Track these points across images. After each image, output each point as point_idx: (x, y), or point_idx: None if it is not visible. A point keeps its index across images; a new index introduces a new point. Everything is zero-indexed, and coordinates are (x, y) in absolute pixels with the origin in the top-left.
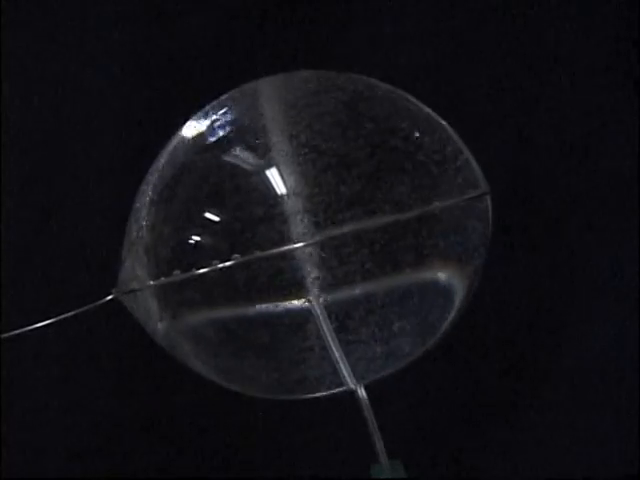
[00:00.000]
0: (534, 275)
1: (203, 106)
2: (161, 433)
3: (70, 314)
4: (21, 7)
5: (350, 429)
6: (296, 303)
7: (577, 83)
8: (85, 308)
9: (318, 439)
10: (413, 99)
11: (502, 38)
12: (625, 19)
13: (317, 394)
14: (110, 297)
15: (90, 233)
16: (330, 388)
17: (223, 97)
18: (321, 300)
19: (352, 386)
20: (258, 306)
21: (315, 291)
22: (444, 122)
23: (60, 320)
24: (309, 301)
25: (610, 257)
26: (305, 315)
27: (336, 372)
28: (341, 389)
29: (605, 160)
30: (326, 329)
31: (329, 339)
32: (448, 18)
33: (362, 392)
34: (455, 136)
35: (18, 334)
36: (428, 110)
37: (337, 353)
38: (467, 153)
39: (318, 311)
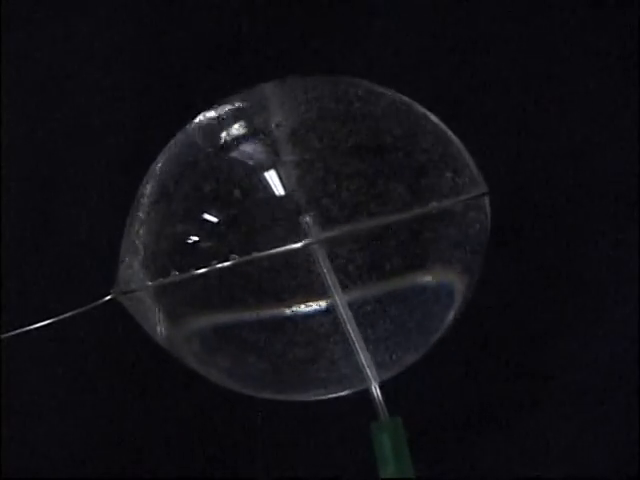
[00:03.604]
0: (533, 275)
1: (204, 107)
2: (161, 433)
3: (69, 314)
4: (21, 7)
5: (350, 431)
6: (296, 303)
7: (577, 83)
8: (84, 308)
9: (318, 439)
10: (411, 101)
11: (502, 38)
12: (626, 20)
13: (322, 397)
14: (109, 297)
15: (89, 233)
16: (337, 391)
17: (225, 99)
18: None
19: (372, 380)
20: (257, 307)
21: (337, 285)
22: (442, 123)
23: (59, 320)
24: (330, 295)
25: (610, 258)
26: (308, 315)
27: (341, 373)
28: (350, 390)
29: (605, 160)
30: (349, 323)
31: (351, 333)
32: (448, 18)
33: (377, 390)
34: (453, 136)
35: (17, 334)
36: (425, 111)
37: (359, 346)
38: (465, 153)
39: (340, 304)
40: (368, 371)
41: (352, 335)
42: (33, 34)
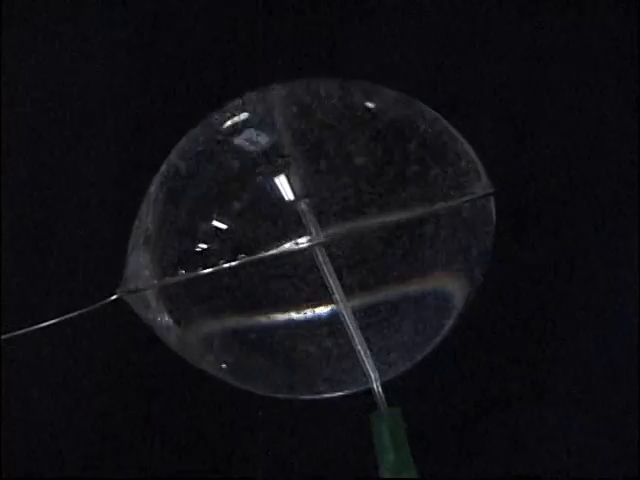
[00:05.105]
0: (535, 275)
1: (209, 109)
2: (162, 434)
3: (74, 314)
4: (21, 7)
5: (349, 431)
6: (303, 303)
7: (579, 82)
8: (89, 308)
9: (318, 440)
10: (416, 100)
11: (503, 37)
12: (626, 20)
13: (328, 395)
14: (114, 297)
15: (94, 232)
16: (341, 389)
17: (230, 102)
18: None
19: (371, 372)
20: (264, 308)
21: (337, 284)
22: (448, 123)
23: (64, 320)
24: (327, 297)
25: (611, 258)
26: (315, 315)
27: (347, 373)
28: (354, 389)
29: (606, 161)
30: (350, 324)
31: (353, 332)
32: (449, 18)
33: (377, 381)
34: (459, 136)
35: (20, 334)
36: (432, 111)
37: (361, 346)
38: (471, 153)
39: (340, 301)
40: (367, 363)
41: (349, 324)
42: (33, 34)
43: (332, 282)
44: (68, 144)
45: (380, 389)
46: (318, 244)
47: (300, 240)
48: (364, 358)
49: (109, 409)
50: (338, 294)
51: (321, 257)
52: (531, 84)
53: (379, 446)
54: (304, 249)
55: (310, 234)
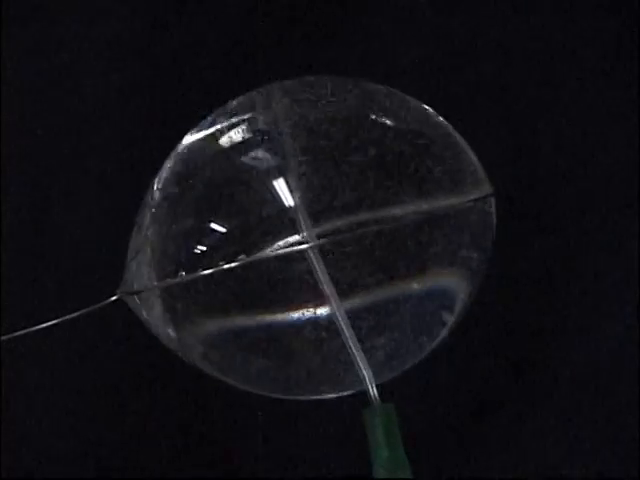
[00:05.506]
0: (535, 275)
1: (209, 111)
2: (163, 434)
3: (74, 314)
4: (21, 7)
5: (347, 430)
6: (302, 304)
7: (579, 83)
8: (90, 308)
9: (318, 439)
10: (416, 101)
11: (503, 37)
12: (626, 20)
13: (326, 396)
14: (114, 298)
15: (94, 232)
16: (341, 390)
17: (229, 103)
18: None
19: (365, 375)
20: (263, 309)
21: (332, 289)
22: (447, 123)
23: (64, 321)
24: (324, 298)
25: (611, 258)
26: (315, 315)
27: (346, 374)
28: (350, 391)
29: (607, 162)
30: (344, 327)
31: (347, 336)
32: (449, 18)
33: (372, 383)
34: (458, 137)
35: (20, 335)
36: (431, 111)
37: (355, 349)
38: (471, 154)
39: (335, 306)
40: (358, 358)
41: (340, 321)
42: (33, 34)
43: (325, 284)
44: (68, 144)
45: (374, 385)
46: (315, 246)
47: (298, 241)
48: (355, 352)
49: (109, 409)
50: (331, 294)
51: (314, 260)
52: (531, 84)
53: (373, 442)
54: (302, 250)
55: (307, 235)
